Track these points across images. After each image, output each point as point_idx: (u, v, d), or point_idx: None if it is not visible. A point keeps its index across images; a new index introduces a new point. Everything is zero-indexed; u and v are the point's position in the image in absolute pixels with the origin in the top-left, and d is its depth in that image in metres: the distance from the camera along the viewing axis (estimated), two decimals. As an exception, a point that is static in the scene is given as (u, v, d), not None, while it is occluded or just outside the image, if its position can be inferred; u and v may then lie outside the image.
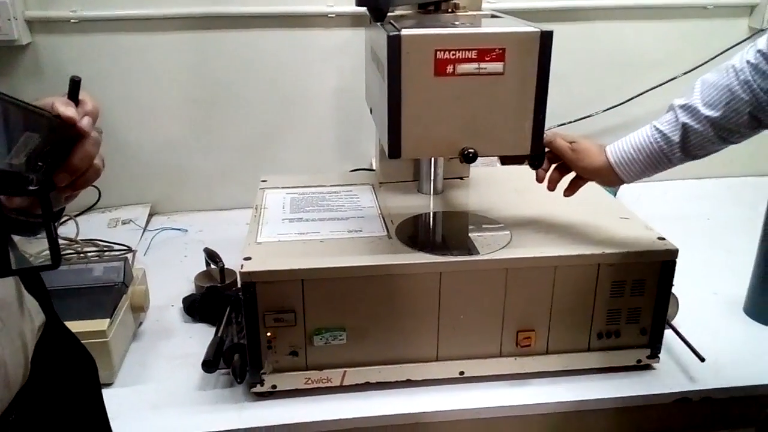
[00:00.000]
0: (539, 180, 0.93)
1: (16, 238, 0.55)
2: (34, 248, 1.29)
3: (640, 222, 0.98)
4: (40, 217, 0.49)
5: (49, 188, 0.49)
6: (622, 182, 0.87)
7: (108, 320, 0.89)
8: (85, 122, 0.51)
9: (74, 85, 0.52)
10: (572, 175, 0.92)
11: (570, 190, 0.93)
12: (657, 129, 0.82)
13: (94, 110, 0.53)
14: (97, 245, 1.28)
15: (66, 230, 1.37)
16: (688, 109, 0.80)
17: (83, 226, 1.38)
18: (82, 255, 1.25)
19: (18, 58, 1.35)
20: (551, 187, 0.93)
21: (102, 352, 0.88)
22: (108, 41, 1.36)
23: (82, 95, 0.52)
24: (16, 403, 0.56)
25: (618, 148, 0.86)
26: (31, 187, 0.46)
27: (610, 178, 0.87)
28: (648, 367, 0.94)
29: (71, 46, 1.35)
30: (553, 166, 0.93)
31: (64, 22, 1.34)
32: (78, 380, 0.69)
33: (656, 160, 0.83)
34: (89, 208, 1.46)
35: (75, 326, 0.86)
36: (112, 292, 0.94)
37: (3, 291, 0.56)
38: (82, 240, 1.31)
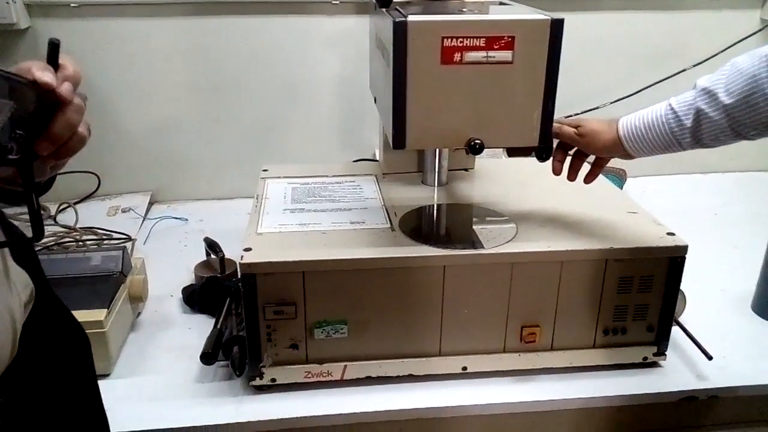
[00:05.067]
0: (556, 172, 0.91)
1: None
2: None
3: (648, 216, 0.96)
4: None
5: (31, 158, 0.47)
6: (632, 157, 0.85)
7: (106, 310, 0.87)
8: (64, 88, 0.48)
9: (53, 49, 0.49)
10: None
11: (590, 176, 0.91)
12: (671, 108, 0.79)
13: (75, 75, 0.50)
14: (96, 233, 1.27)
15: (64, 218, 1.36)
16: (707, 93, 0.75)
17: (82, 214, 1.36)
18: (80, 243, 1.23)
19: (16, 42, 1.33)
20: (572, 176, 0.91)
21: (99, 342, 0.86)
22: (108, 26, 1.34)
23: (62, 59, 0.49)
24: (3, 385, 0.53)
25: (630, 123, 0.82)
26: (10, 156, 0.44)
27: (622, 152, 0.84)
28: (655, 365, 0.93)
29: (71, 30, 1.33)
30: (571, 153, 0.90)
31: (63, 6, 1.31)
32: (71, 359, 0.66)
33: (665, 142, 0.80)
34: (88, 196, 1.44)
35: (71, 316, 0.85)
36: (110, 282, 0.93)
37: None
38: (80, 228, 1.29)
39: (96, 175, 1.44)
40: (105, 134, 1.41)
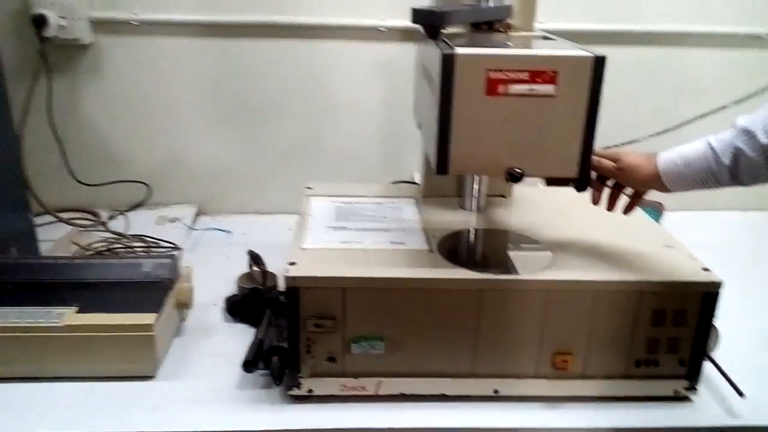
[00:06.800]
0: (594, 202, 0.93)
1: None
2: (85, 240, 1.34)
3: (684, 251, 0.97)
4: None
5: None
6: (670, 191, 0.86)
7: (155, 315, 0.91)
8: None
9: None
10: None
11: (629, 208, 0.94)
12: (710, 146, 0.81)
13: None
14: (144, 241, 1.32)
15: (115, 225, 1.42)
16: (746, 132, 0.77)
17: (132, 222, 1.43)
18: (130, 250, 1.29)
19: (80, 57, 1.41)
20: (611, 207, 0.94)
21: (147, 345, 0.91)
22: (164, 44, 1.41)
23: None
24: None
25: (669, 158, 0.85)
26: None
27: (660, 187, 0.86)
28: (685, 399, 0.93)
29: (130, 47, 1.41)
30: (609, 185, 0.93)
31: (125, 23, 1.39)
32: None
33: (703, 179, 0.82)
34: (138, 205, 1.51)
35: (122, 318, 0.90)
36: (160, 288, 0.97)
37: None
38: (130, 235, 1.35)
39: (146, 184, 1.51)
40: (157, 148, 1.48)
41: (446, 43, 0.80)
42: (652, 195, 0.92)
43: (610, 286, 0.87)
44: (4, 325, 0.89)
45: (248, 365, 0.90)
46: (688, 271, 0.90)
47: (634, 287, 0.88)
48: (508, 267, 0.91)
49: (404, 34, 1.43)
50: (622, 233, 1.00)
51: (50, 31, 1.32)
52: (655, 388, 0.92)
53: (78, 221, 1.42)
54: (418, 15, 0.83)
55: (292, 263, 0.88)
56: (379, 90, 1.48)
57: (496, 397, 0.91)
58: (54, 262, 1.04)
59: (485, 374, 0.91)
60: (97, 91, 1.43)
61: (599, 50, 0.77)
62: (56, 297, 0.94)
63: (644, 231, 1.04)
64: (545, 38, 0.97)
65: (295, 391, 0.89)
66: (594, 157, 0.86)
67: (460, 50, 0.76)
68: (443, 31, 0.87)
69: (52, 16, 1.32)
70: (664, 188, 0.86)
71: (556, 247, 0.96)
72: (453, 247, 0.98)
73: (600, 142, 0.83)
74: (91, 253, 1.26)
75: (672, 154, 0.85)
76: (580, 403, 0.91)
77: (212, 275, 1.18)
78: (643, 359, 0.91)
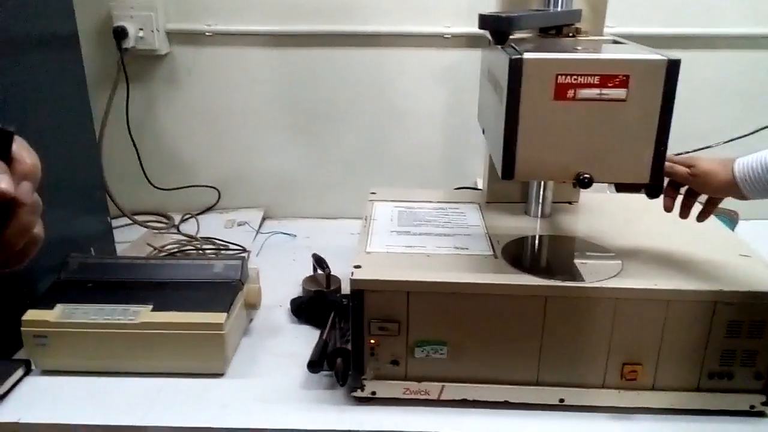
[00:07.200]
0: (667, 209, 0.91)
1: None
2: (158, 242, 1.40)
3: (760, 260, 0.94)
4: None
5: None
6: (747, 198, 0.84)
7: (225, 314, 0.94)
8: (21, 190, 0.39)
9: (4, 140, 0.40)
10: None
11: (703, 216, 0.91)
12: None
13: (33, 169, 0.41)
14: (214, 243, 1.37)
15: (187, 227, 1.48)
16: None
17: (202, 225, 1.48)
18: (201, 251, 1.34)
19: (157, 66, 1.47)
20: (684, 214, 0.91)
21: (217, 343, 0.94)
22: (236, 54, 1.46)
23: (17, 151, 0.40)
24: None
25: (747, 164, 0.82)
26: None
27: (737, 193, 0.84)
28: (761, 414, 0.89)
29: (204, 57, 1.46)
30: (682, 192, 0.90)
31: (199, 34, 1.44)
32: None
33: None
34: (209, 209, 1.56)
35: (194, 317, 0.94)
36: (230, 288, 1.00)
37: None
38: (201, 237, 1.40)
39: (217, 189, 1.56)
40: (227, 154, 1.53)
41: (513, 48, 0.80)
42: (727, 203, 0.89)
43: (683, 295, 0.85)
44: (83, 321, 0.94)
45: (313, 366, 0.92)
46: (766, 281, 0.87)
47: (708, 297, 0.85)
48: (575, 274, 0.89)
49: (468, 41, 1.43)
50: (695, 242, 0.97)
51: (129, 42, 1.39)
52: (729, 401, 0.89)
53: (152, 224, 1.49)
54: (485, 21, 0.83)
55: (358, 266, 0.89)
56: (443, 96, 1.48)
57: (561, 406, 0.90)
58: (130, 263, 1.09)
59: (550, 382, 0.89)
60: (172, 99, 1.49)
61: (673, 54, 0.75)
62: (132, 295, 0.99)
63: (718, 239, 1.01)
64: (615, 42, 0.95)
65: (359, 393, 0.90)
66: (667, 163, 0.84)
67: (528, 54, 0.75)
68: (510, 36, 0.86)
69: (132, 28, 1.39)
70: (740, 195, 0.83)
71: (625, 255, 0.94)
72: (518, 253, 0.97)
73: (673, 149, 0.80)
74: (164, 254, 1.31)
75: (750, 159, 0.82)
76: (649, 415, 0.89)
77: (278, 277, 1.21)
78: (717, 372, 0.88)
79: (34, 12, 1.03)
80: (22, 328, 0.94)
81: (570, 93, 0.76)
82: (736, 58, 1.44)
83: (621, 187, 0.92)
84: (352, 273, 0.87)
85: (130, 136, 1.47)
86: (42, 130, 1.04)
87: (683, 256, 0.94)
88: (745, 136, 1.43)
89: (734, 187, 0.83)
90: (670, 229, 0.99)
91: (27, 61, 1.02)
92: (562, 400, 0.90)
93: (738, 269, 0.90)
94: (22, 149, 0.40)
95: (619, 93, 0.76)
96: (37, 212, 0.41)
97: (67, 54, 1.14)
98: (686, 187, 0.90)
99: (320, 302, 1.09)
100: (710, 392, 0.89)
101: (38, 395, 0.92)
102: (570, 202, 1.16)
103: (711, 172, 0.85)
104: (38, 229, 0.42)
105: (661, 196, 0.91)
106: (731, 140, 1.43)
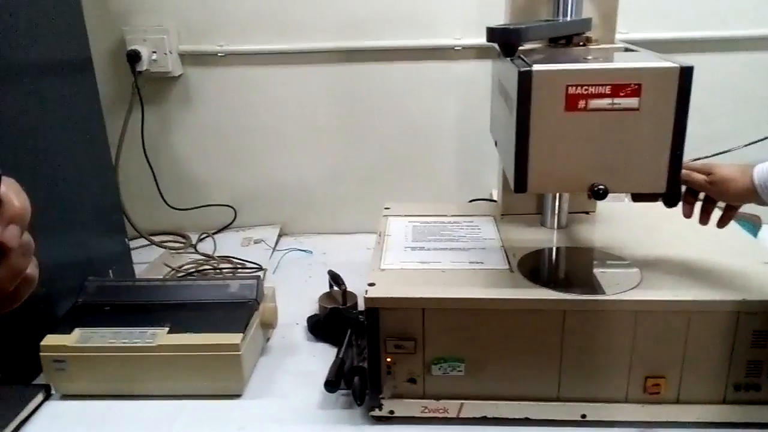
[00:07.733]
0: (686, 216, 0.89)
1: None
2: (176, 262, 1.40)
3: (786, 268, 0.91)
4: None
5: None
6: (767, 204, 0.82)
7: (241, 335, 0.94)
8: (8, 234, 0.38)
9: None
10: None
11: (723, 222, 0.89)
12: None
13: (21, 212, 0.39)
14: (231, 262, 1.37)
15: (204, 246, 1.48)
16: None
17: (219, 244, 1.49)
18: (218, 271, 1.34)
19: (171, 88, 1.49)
20: (704, 221, 0.90)
21: (234, 364, 0.94)
22: (248, 74, 1.47)
23: (5, 193, 0.38)
24: None
25: (766, 170, 0.81)
26: None
27: (756, 200, 0.82)
28: (792, 427, 0.87)
29: (217, 77, 1.48)
30: (701, 198, 0.89)
31: (211, 55, 1.46)
32: None
33: None
34: (225, 227, 1.57)
35: (210, 338, 0.93)
36: (245, 308, 1.00)
37: None
38: (218, 256, 1.41)
39: (233, 208, 1.57)
40: (242, 172, 1.54)
41: (522, 59, 0.79)
42: (748, 207, 0.87)
43: (705, 305, 0.83)
44: (101, 345, 0.94)
45: (330, 385, 0.91)
46: (792, 290, 0.84)
47: (732, 307, 0.83)
48: (593, 286, 0.88)
49: (479, 52, 1.42)
50: (716, 249, 0.95)
51: (143, 65, 1.41)
52: (757, 414, 0.86)
53: (169, 244, 1.50)
54: (493, 34, 0.82)
55: (371, 284, 0.88)
56: (455, 108, 1.48)
57: (583, 422, 0.88)
58: (146, 284, 1.10)
59: (572, 398, 0.88)
60: (186, 119, 1.51)
61: (686, 59, 0.74)
62: (149, 318, 0.99)
63: (740, 247, 0.98)
64: (627, 50, 0.94)
65: (377, 412, 0.89)
66: (684, 171, 0.82)
67: (537, 67, 0.74)
68: (519, 47, 0.85)
69: (145, 52, 1.41)
70: (760, 201, 0.81)
71: (645, 265, 0.92)
72: (534, 267, 0.95)
73: (688, 155, 0.79)
74: (181, 274, 1.32)
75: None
76: (674, 429, 0.87)
77: (294, 295, 1.21)
78: (743, 383, 0.86)
79: (47, 37, 1.04)
80: (40, 353, 0.95)
81: (581, 104, 0.75)
82: (755, 60, 1.41)
83: (638, 197, 0.91)
84: (366, 291, 0.87)
85: (146, 157, 1.49)
86: (58, 155, 1.06)
87: (704, 265, 0.92)
88: (763, 139, 1.40)
89: (753, 194, 0.81)
90: (691, 237, 0.97)
91: (42, 86, 1.03)
92: (584, 416, 0.88)
93: (761, 277, 0.88)
94: (10, 191, 0.39)
95: (632, 102, 0.75)
96: (29, 254, 0.40)
97: (82, 78, 1.16)
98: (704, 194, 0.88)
99: (336, 319, 1.08)
100: (737, 404, 0.86)
101: (58, 420, 0.93)
102: (587, 212, 1.14)
103: (729, 179, 0.83)
104: (31, 269, 0.41)
105: (680, 203, 0.89)
106: (752, 143, 1.41)
